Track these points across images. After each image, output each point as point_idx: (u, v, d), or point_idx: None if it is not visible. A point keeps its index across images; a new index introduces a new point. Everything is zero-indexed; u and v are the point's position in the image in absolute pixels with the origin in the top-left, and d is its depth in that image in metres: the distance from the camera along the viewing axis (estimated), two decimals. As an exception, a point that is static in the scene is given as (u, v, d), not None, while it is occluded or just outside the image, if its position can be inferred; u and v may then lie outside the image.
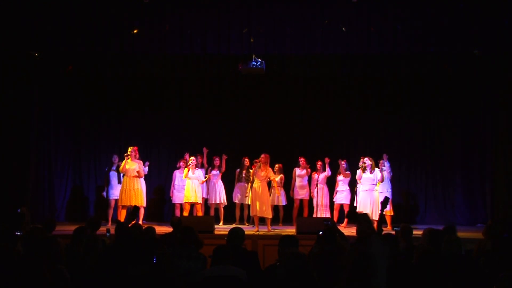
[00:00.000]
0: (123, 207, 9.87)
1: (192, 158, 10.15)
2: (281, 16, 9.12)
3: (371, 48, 9.19)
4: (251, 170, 10.20)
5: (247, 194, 10.41)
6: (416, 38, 9.10)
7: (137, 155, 10.07)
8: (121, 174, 10.16)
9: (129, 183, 9.89)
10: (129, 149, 10.00)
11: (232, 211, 10.71)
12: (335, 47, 9.26)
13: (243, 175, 10.49)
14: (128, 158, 9.89)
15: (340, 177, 10.36)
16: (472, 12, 8.86)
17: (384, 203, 6.19)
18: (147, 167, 10.59)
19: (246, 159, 10.51)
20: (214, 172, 10.54)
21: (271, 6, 9.12)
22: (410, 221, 9.65)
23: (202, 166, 10.51)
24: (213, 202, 10.52)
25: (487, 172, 11.10)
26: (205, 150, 10.54)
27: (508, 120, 10.38)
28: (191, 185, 10.05)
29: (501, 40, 8.95)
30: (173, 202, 10.60)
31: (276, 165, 10.21)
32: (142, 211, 10.27)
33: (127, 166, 9.89)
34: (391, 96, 11.63)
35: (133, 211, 5.80)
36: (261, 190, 9.40)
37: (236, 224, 10.12)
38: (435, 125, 11.66)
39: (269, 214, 9.45)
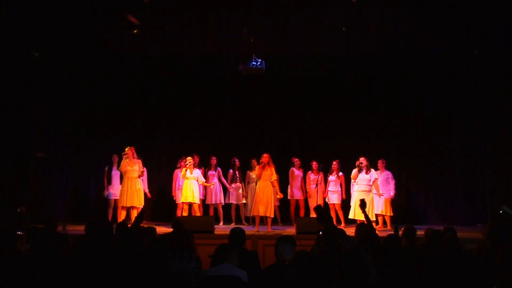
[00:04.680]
0: (123, 207, 9.86)
1: (189, 158, 10.13)
2: (281, 16, 9.12)
3: (371, 48, 9.19)
4: (249, 171, 10.24)
5: (245, 194, 10.42)
6: (416, 38, 9.10)
7: (135, 154, 10.03)
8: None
9: (130, 183, 9.86)
10: (126, 149, 9.97)
11: (229, 212, 10.72)
12: (335, 47, 9.25)
13: (237, 175, 10.49)
14: (126, 158, 9.86)
15: (331, 177, 10.36)
16: (472, 12, 8.86)
17: (362, 206, 6.33)
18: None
19: (237, 160, 10.55)
20: (211, 172, 10.55)
21: (271, 6, 9.11)
22: (410, 221, 9.64)
23: (200, 167, 10.52)
24: (211, 202, 10.53)
25: (487, 172, 11.09)
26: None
27: (508, 120, 10.38)
28: (188, 185, 10.05)
29: (501, 40, 8.95)
30: (176, 202, 10.58)
31: None
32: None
33: (128, 167, 9.87)
34: (391, 96, 11.62)
35: (140, 214, 5.77)
36: (267, 190, 9.40)
37: (233, 225, 10.13)
38: (435, 125, 11.65)
39: (272, 214, 9.48)
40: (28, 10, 8.98)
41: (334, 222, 9.85)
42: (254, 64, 9.39)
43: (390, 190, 10.22)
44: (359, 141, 11.68)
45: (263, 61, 9.45)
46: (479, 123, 11.32)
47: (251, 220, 10.32)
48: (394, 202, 10.41)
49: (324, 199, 10.40)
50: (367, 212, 9.35)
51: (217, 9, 9.08)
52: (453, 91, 11.32)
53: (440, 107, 11.56)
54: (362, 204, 6.41)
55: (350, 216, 9.89)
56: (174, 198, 10.60)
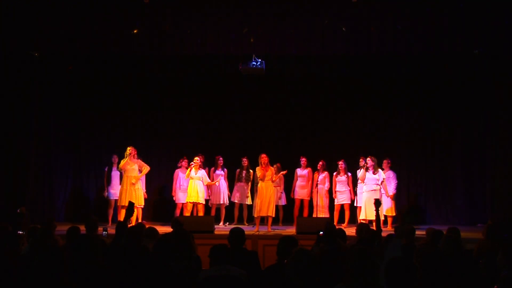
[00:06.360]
0: (123, 207, 9.86)
1: (196, 158, 10.13)
2: (281, 16, 9.11)
3: (371, 48, 9.19)
4: (251, 170, 10.23)
5: (248, 195, 10.41)
6: (416, 38, 9.09)
7: (136, 155, 10.07)
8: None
9: (129, 183, 9.89)
10: (128, 149, 9.98)
11: (232, 211, 10.72)
12: (335, 47, 9.25)
13: (243, 175, 10.49)
14: (127, 156, 9.90)
15: (339, 178, 10.36)
16: (472, 12, 8.86)
17: (376, 204, 6.36)
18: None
19: (245, 159, 10.53)
20: (217, 172, 10.54)
21: (271, 6, 9.11)
22: (410, 221, 9.64)
23: (204, 167, 10.51)
24: (216, 202, 10.51)
25: (487, 172, 11.09)
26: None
27: (508, 120, 10.37)
28: (193, 185, 10.04)
29: (501, 40, 8.95)
30: (176, 202, 10.59)
31: (275, 165, 10.19)
32: (140, 211, 10.27)
33: (127, 167, 9.89)
34: (391, 96, 11.62)
35: (128, 207, 5.76)
36: (269, 190, 9.43)
37: (235, 224, 10.12)
38: (435, 125, 11.65)
39: (273, 213, 9.50)
40: (28, 10, 8.98)
41: (335, 222, 10.00)
42: (254, 64, 9.40)
43: (390, 190, 10.21)
44: (359, 141, 11.68)
45: (263, 61, 9.45)
46: (479, 123, 11.32)
47: (252, 220, 10.30)
48: (395, 203, 10.40)
49: (334, 199, 10.43)
50: (374, 212, 9.42)
51: (216, 9, 9.07)
52: (453, 91, 11.32)
53: (440, 107, 11.55)
54: (377, 203, 6.43)
55: (361, 217, 9.83)
56: (174, 198, 10.61)
